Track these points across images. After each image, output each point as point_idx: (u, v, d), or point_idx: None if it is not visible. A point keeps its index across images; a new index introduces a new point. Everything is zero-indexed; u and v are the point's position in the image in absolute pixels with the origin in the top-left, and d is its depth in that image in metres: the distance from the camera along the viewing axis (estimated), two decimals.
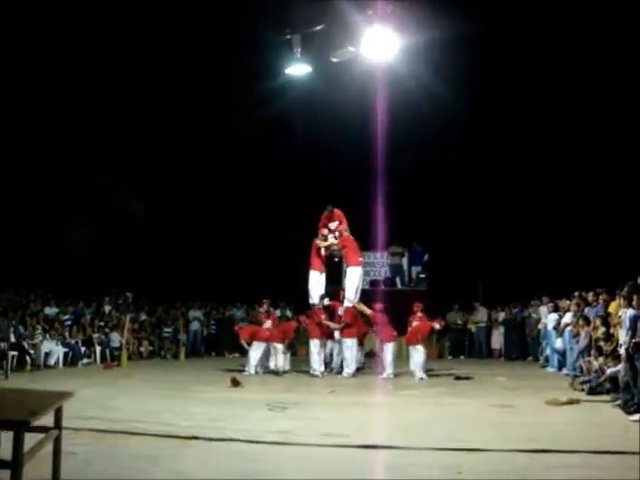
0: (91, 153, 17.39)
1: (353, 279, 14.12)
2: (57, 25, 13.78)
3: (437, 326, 13.72)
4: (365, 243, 18.13)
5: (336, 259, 14.81)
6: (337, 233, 14.40)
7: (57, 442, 4.09)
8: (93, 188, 17.53)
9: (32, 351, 13.87)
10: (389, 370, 13.17)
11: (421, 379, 12.86)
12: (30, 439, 3.57)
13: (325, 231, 14.46)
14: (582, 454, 5.94)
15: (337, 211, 14.58)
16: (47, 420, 4.00)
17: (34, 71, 14.99)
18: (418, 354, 13.15)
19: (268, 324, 14.35)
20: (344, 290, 14.29)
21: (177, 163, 19.04)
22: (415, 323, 13.67)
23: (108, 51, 14.89)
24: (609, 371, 9.95)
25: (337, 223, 14.52)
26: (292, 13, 13.36)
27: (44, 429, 3.99)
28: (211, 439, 6.42)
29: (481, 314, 19.16)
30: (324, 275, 14.46)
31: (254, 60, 15.23)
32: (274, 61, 14.64)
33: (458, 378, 13.00)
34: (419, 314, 13.84)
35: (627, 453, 5.92)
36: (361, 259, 14.76)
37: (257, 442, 6.40)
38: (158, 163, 18.67)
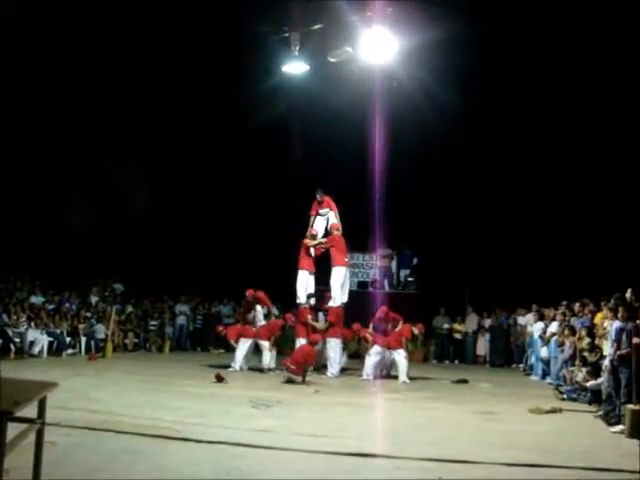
0: (90, 144, 17.28)
1: (337, 279, 14.15)
2: (71, 10, 13.66)
3: (416, 331, 13.72)
4: (355, 244, 18.14)
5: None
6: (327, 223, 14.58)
7: (40, 433, 4.06)
8: (86, 180, 17.43)
9: (17, 339, 13.78)
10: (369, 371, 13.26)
11: (404, 382, 12.88)
12: (12, 428, 3.54)
13: (314, 231, 14.51)
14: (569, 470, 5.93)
15: (326, 198, 14.74)
16: (30, 409, 3.97)
17: (43, 57, 14.89)
18: (400, 357, 13.18)
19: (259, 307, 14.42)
20: (329, 292, 14.36)
21: (171, 159, 18.97)
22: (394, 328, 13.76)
23: (113, 46, 14.84)
24: (589, 384, 10.02)
25: (327, 209, 14.72)
26: (291, 11, 13.33)
27: (27, 419, 3.96)
28: (199, 441, 6.31)
29: (471, 320, 19.18)
30: (313, 275, 14.49)
31: (252, 57, 15.20)
32: (272, 58, 14.62)
33: (456, 382, 13.12)
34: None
35: (611, 470, 5.87)
36: (347, 259, 14.78)
37: (240, 443, 6.37)
38: (153, 159, 18.56)
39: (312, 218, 14.80)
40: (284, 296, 16.06)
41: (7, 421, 3.29)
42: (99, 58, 15.33)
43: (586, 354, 10.90)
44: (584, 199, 16.58)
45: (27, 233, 16.82)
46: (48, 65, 15.16)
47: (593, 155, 16.01)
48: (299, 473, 5.41)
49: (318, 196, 14.72)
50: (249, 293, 14.26)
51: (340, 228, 14.49)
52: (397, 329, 13.58)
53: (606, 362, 8.99)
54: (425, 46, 13.47)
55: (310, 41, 13.68)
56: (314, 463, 5.77)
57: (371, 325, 13.88)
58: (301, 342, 13.52)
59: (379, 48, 13.06)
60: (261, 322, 14.45)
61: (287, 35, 13.66)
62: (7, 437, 3.34)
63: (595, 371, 10.00)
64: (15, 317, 14.10)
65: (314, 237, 14.46)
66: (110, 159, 17.02)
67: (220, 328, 14.91)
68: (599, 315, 11.53)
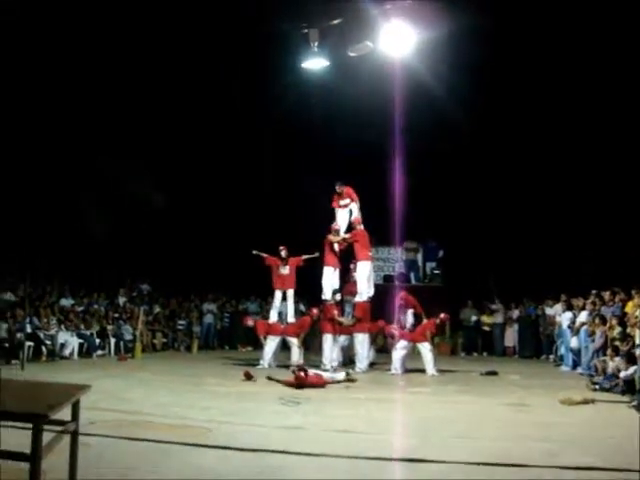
0: (109, 143, 17.38)
1: (362, 273, 14.14)
2: (74, 9, 13.68)
3: (438, 320, 13.61)
4: (380, 238, 18.10)
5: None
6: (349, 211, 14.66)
7: (74, 435, 4.10)
8: (110, 180, 17.55)
9: (48, 342, 13.97)
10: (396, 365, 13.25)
11: (433, 375, 12.87)
12: (46, 431, 3.59)
13: (337, 226, 14.50)
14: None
15: (346, 188, 14.73)
16: (64, 412, 4.02)
17: (53, 56, 14.95)
18: (425, 351, 13.17)
19: (286, 270, 14.48)
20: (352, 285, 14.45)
21: (193, 156, 19.03)
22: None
23: (126, 43, 14.86)
24: (622, 374, 9.89)
25: (348, 200, 14.71)
26: (310, 7, 13.31)
27: (61, 422, 4.01)
28: (228, 447, 6.34)
29: (498, 311, 19.06)
30: (338, 271, 14.48)
31: (271, 53, 15.19)
32: (291, 55, 14.60)
33: (486, 374, 13.10)
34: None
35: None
36: (370, 254, 14.74)
37: (271, 440, 6.39)
38: (174, 155, 18.65)
39: (336, 210, 14.83)
40: (310, 292, 16.07)
41: (42, 424, 3.34)
42: (114, 56, 15.37)
43: (617, 343, 10.78)
44: (615, 186, 16.30)
45: (55, 237, 16.98)
46: (70, 65, 15.22)
47: (620, 139, 15.77)
48: (331, 470, 5.41)
49: (337, 188, 14.72)
50: (283, 247, 14.47)
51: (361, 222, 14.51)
52: (422, 323, 13.65)
53: (638, 351, 8.87)
54: (444, 38, 13.38)
55: (329, 36, 13.65)
56: (346, 459, 5.75)
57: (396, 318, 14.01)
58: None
59: (398, 41, 13.03)
60: (291, 319, 14.50)
61: (306, 31, 13.66)
62: (43, 440, 3.39)
63: (628, 360, 9.88)
64: (46, 320, 14.29)
65: (337, 233, 14.44)
66: (134, 160, 17.14)
67: (248, 321, 14.97)
68: (630, 303, 11.41)
